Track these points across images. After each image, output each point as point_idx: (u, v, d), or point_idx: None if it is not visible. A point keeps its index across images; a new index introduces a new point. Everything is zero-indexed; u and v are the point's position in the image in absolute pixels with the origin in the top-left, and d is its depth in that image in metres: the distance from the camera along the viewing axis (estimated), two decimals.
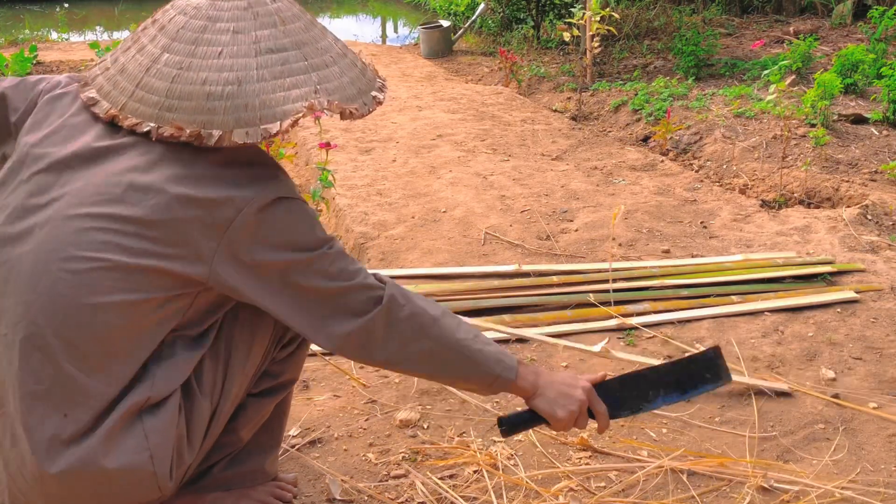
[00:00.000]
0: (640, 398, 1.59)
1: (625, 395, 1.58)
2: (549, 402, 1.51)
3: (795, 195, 3.99)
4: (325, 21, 12.13)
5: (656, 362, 2.13)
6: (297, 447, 1.98)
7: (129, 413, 1.31)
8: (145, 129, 1.30)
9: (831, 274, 2.94)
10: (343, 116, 1.37)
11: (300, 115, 1.30)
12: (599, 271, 2.93)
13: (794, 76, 5.71)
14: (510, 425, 1.58)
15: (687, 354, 1.69)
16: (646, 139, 5.15)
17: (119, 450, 1.30)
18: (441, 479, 1.86)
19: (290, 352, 1.59)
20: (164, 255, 1.28)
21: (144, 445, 1.32)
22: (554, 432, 1.92)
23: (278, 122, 1.29)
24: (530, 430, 1.99)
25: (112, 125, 1.36)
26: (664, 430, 2.07)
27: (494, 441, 2.01)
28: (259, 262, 1.32)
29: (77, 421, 1.28)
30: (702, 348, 2.46)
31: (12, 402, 1.31)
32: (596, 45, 6.10)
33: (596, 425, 1.58)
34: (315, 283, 1.35)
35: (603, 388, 1.56)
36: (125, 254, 1.27)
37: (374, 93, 1.44)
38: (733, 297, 2.79)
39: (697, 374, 1.62)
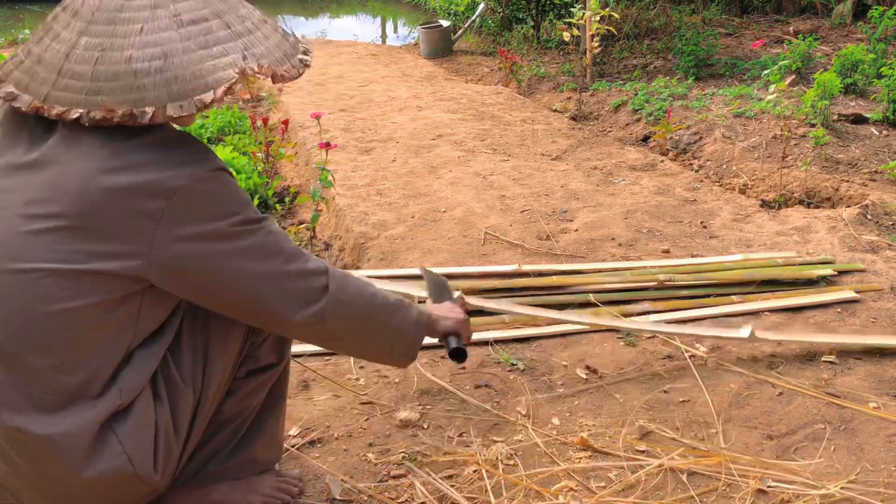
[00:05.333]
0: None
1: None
2: (452, 319, 1.79)
3: (795, 195, 3.99)
4: (325, 21, 12.13)
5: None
6: (297, 447, 1.98)
7: (100, 423, 1.33)
8: (74, 116, 1.27)
9: (831, 274, 2.94)
10: (274, 80, 1.37)
11: (233, 80, 1.30)
12: (599, 271, 2.93)
13: (794, 76, 5.71)
14: (460, 351, 1.79)
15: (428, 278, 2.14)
16: (646, 139, 5.15)
17: (95, 459, 1.33)
18: (441, 479, 1.86)
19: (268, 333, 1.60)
20: (99, 255, 1.27)
21: (119, 450, 1.34)
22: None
23: (211, 91, 1.28)
24: (529, 427, 2.00)
25: (41, 129, 1.34)
26: (664, 430, 2.07)
27: (494, 441, 2.01)
28: (196, 239, 1.30)
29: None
30: (703, 349, 2.46)
31: None
32: (596, 44, 6.10)
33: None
34: (258, 261, 1.37)
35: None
36: (59, 258, 1.26)
37: (300, 56, 1.43)
38: (733, 297, 2.79)
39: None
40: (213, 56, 1.30)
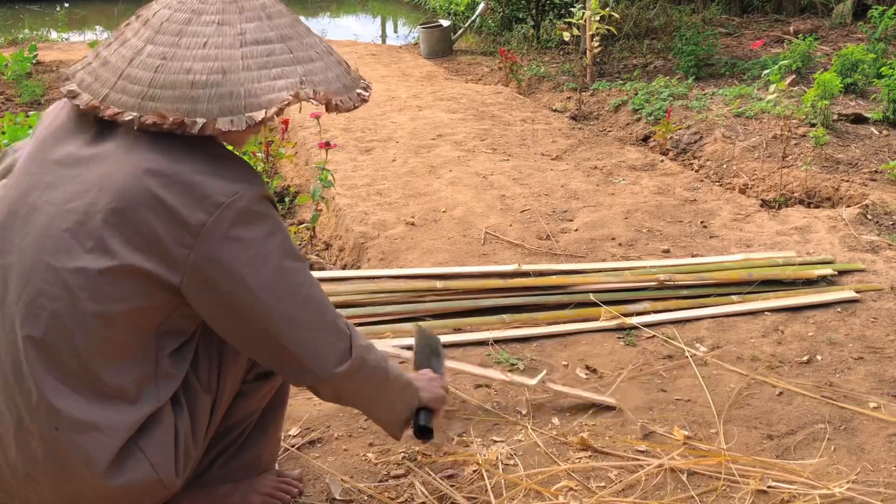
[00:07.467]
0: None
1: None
2: (429, 392, 1.69)
3: (795, 195, 3.99)
4: (325, 21, 12.14)
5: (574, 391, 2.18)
6: (297, 447, 1.98)
7: (132, 430, 1.34)
8: (127, 118, 1.29)
9: (831, 273, 2.94)
10: (329, 108, 1.38)
11: (285, 102, 1.31)
12: (599, 271, 2.93)
13: (794, 76, 5.71)
14: (426, 430, 1.67)
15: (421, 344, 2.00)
16: (646, 139, 5.15)
17: (120, 468, 1.33)
18: (441, 478, 1.86)
19: None
20: (135, 252, 1.27)
21: (142, 458, 1.35)
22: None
23: (263, 111, 1.29)
24: (529, 427, 2.01)
25: (97, 131, 1.35)
26: (664, 430, 2.07)
27: (494, 441, 2.01)
28: (230, 261, 1.30)
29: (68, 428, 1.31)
30: (703, 348, 2.46)
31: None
32: (596, 44, 6.10)
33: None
34: (289, 300, 1.35)
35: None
36: (98, 253, 1.27)
37: (358, 90, 1.45)
38: (733, 296, 2.79)
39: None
40: (270, 77, 1.31)
